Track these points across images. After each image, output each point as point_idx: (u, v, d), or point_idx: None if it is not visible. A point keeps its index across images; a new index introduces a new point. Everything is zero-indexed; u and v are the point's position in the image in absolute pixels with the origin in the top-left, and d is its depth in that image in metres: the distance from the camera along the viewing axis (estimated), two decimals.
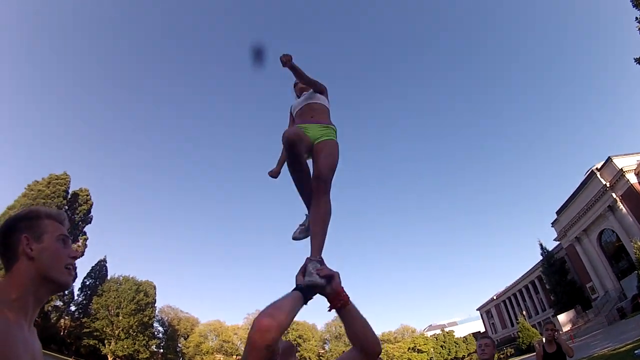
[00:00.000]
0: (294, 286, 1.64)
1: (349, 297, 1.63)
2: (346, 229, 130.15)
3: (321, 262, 1.90)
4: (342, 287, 1.65)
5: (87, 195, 49.24)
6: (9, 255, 1.23)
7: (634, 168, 36.84)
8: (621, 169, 37.67)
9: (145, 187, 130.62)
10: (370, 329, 1.63)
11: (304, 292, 1.57)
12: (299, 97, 3.12)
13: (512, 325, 64.20)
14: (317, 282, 1.66)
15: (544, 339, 5.78)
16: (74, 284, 45.16)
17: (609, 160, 39.64)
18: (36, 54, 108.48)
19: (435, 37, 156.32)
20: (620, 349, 15.61)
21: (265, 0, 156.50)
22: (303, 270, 1.76)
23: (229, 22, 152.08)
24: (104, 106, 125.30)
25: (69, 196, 45.69)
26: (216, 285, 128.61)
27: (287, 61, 2.73)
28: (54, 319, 43.78)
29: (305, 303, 1.56)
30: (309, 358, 74.37)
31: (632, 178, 36.92)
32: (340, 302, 1.61)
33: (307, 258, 1.91)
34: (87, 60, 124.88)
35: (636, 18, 17.83)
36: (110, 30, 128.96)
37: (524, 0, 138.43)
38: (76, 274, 1.37)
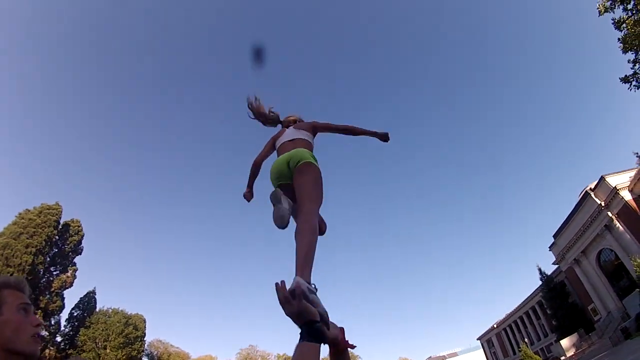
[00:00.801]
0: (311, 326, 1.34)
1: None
2: (343, 260, 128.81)
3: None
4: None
5: (79, 226, 48.43)
6: None
7: (627, 185, 37.17)
8: (615, 187, 38.00)
9: (137, 220, 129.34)
10: None
11: (322, 337, 1.32)
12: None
13: (514, 353, 63.04)
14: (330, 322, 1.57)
15: None
16: (61, 314, 44.08)
17: (602, 179, 40.02)
18: (28, 79, 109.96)
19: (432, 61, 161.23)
20: None
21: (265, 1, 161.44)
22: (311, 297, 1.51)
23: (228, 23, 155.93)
24: (98, 136, 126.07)
25: (60, 226, 44.91)
26: (208, 319, 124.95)
27: None
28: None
29: (324, 343, 1.39)
30: None
31: (626, 195, 37.18)
32: (347, 343, 1.54)
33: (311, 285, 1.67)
34: (81, 85, 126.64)
35: (618, 39, 18.40)
36: (101, 50, 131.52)
37: (509, 27, 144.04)
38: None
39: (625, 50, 18.12)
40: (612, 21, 18.02)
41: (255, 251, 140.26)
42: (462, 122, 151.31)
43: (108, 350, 48.69)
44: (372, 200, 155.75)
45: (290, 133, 3.06)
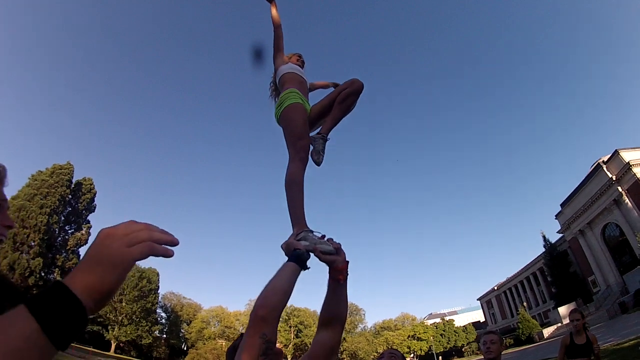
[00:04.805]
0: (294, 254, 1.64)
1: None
2: (349, 218, 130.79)
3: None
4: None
5: (91, 184, 49.26)
6: None
7: None
8: (628, 162, 37.34)
9: (148, 175, 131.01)
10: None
11: (302, 262, 1.60)
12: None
13: (512, 316, 64.81)
14: (331, 250, 1.71)
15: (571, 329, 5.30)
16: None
17: (615, 153, 39.24)
18: (37, 46, 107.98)
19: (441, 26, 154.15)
20: (624, 344, 15.53)
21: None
22: (298, 238, 1.82)
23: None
24: (107, 96, 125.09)
25: (73, 185, 45.71)
26: (219, 272, 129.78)
27: None
28: None
29: (303, 269, 1.62)
30: (310, 343, 75.63)
31: (638, 172, 36.56)
32: (347, 274, 1.70)
33: (304, 230, 1.94)
34: (88, 51, 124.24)
35: None
36: (110, 21, 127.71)
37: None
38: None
39: None
40: None
41: (264, 204, 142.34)
42: (478, 90, 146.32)
43: (124, 304, 51.23)
44: (374, 156, 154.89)
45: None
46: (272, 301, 1.39)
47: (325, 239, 1.81)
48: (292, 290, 1.48)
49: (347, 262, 1.72)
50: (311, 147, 2.50)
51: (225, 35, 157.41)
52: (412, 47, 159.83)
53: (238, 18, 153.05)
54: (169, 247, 0.70)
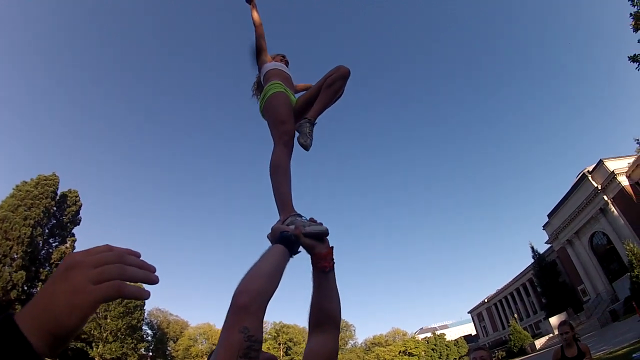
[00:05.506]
0: (282, 237, 1.49)
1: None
2: (339, 232, 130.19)
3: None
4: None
5: (76, 197, 48.19)
6: None
7: (625, 170, 37.20)
8: (613, 171, 38.03)
9: (135, 189, 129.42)
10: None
11: (290, 244, 1.43)
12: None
13: (504, 328, 64.74)
14: (323, 230, 1.58)
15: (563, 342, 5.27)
16: None
17: (600, 162, 39.97)
18: (23, 54, 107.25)
19: (429, 43, 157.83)
20: (617, 352, 15.47)
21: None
22: (285, 223, 1.70)
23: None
24: (95, 107, 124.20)
25: (58, 197, 44.66)
26: (207, 288, 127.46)
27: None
28: None
29: (293, 254, 1.47)
30: None
31: (623, 180, 37.27)
32: (333, 262, 1.54)
33: (291, 215, 1.86)
34: (76, 61, 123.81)
35: (630, 14, 17.13)
36: (97, 29, 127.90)
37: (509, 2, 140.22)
38: None
39: (636, 29, 16.76)
40: None
41: (253, 217, 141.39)
42: (464, 101, 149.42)
43: (109, 320, 49.63)
44: (367, 171, 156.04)
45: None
46: (256, 286, 1.16)
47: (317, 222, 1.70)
48: (280, 275, 1.26)
49: (332, 247, 1.58)
50: (297, 134, 2.45)
51: (214, 39, 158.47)
52: (406, 48, 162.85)
53: (227, 21, 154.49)
54: (145, 287, 0.57)
